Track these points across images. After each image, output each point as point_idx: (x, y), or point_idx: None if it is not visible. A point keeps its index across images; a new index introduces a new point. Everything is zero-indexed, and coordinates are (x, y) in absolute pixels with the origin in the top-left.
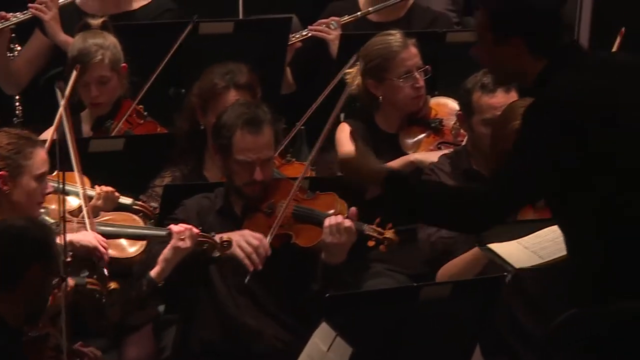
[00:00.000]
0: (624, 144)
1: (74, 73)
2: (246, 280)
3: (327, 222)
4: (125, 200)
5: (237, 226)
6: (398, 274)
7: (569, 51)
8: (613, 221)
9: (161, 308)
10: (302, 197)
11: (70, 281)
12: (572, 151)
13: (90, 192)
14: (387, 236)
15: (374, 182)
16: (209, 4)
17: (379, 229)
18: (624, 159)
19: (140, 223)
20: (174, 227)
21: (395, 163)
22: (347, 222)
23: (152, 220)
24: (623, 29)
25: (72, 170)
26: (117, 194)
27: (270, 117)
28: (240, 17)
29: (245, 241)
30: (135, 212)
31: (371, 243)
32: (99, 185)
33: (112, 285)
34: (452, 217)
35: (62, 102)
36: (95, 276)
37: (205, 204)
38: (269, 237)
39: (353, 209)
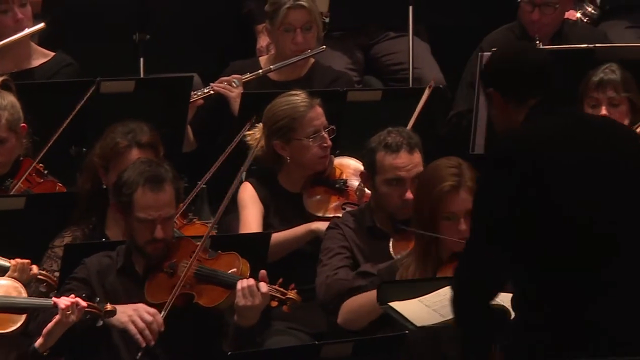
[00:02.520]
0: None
1: None
2: (137, 357)
3: (240, 285)
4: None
5: (138, 285)
6: (300, 332)
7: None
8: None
9: None
10: (204, 257)
11: None
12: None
13: (5, 264)
14: (290, 296)
15: None
16: (110, 62)
17: (281, 289)
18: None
19: (23, 292)
20: (60, 302)
21: (297, 231)
22: (264, 287)
23: (56, 291)
24: (432, 82)
25: None
26: (33, 266)
27: (172, 175)
28: (141, 75)
29: (139, 316)
30: (40, 281)
31: (274, 303)
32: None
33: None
34: None
35: None
36: None
37: (106, 263)
38: (163, 313)
39: (263, 271)
